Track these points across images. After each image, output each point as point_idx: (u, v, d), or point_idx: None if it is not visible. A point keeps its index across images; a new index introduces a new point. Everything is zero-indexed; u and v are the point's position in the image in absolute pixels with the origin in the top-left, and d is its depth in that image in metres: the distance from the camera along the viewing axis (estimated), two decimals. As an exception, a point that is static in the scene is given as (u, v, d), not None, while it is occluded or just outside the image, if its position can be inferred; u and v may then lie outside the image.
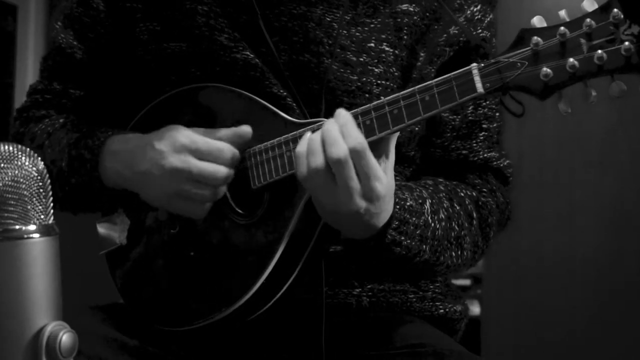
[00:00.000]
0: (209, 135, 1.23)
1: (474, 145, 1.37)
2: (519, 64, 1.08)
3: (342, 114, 1.13)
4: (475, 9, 1.34)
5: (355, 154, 1.10)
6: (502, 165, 1.39)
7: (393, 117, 1.13)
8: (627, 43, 1.02)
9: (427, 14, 1.31)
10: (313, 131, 1.16)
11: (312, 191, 1.14)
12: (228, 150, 1.22)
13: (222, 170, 1.21)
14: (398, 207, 1.19)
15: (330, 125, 1.12)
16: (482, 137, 1.37)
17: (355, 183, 1.11)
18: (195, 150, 1.21)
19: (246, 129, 1.23)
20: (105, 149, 1.29)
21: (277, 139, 1.21)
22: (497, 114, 1.38)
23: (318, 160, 1.11)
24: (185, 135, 1.22)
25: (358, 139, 1.10)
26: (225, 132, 1.24)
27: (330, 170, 1.11)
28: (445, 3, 1.30)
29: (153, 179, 1.23)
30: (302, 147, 1.14)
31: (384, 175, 1.12)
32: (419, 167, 1.37)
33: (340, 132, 1.11)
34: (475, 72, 1.10)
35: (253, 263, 1.21)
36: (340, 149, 1.10)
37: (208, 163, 1.21)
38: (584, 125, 2.83)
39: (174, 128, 1.24)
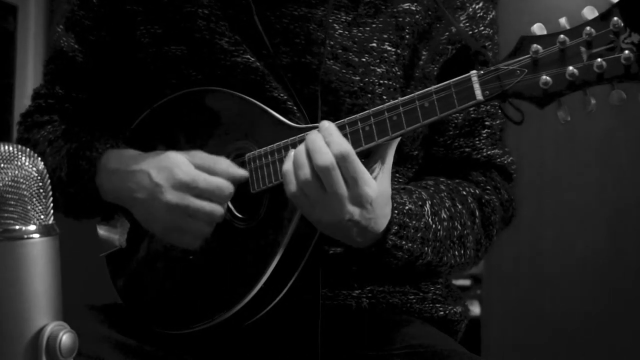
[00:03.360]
0: (207, 165, 1.22)
1: (477, 142, 1.36)
2: (518, 71, 1.08)
3: (326, 125, 1.14)
4: (477, 7, 1.34)
5: (341, 159, 1.10)
6: (505, 162, 1.38)
7: (392, 124, 1.13)
8: (627, 52, 1.02)
9: (429, 13, 1.31)
10: (294, 145, 1.16)
11: (304, 206, 1.14)
12: (227, 188, 1.21)
13: (219, 209, 1.21)
14: (396, 211, 1.19)
15: (314, 135, 1.13)
16: (485, 135, 1.36)
17: (343, 189, 1.11)
18: (194, 189, 1.21)
19: (244, 174, 1.23)
20: (102, 165, 1.30)
21: (277, 143, 1.21)
22: (500, 111, 1.38)
23: (306, 172, 1.12)
24: (184, 171, 1.22)
25: (343, 145, 1.11)
26: (224, 168, 1.23)
27: (319, 180, 1.11)
28: (447, 1, 1.30)
29: (148, 209, 1.24)
30: (288, 164, 1.14)
31: (372, 179, 1.12)
32: (421, 166, 1.37)
33: (324, 141, 1.11)
34: (474, 79, 1.10)
35: (252, 267, 1.21)
36: (326, 157, 1.10)
37: (206, 202, 1.21)
38: (583, 126, 2.83)
39: (172, 159, 1.23)
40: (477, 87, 1.09)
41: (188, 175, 1.21)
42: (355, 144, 1.14)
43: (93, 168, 1.29)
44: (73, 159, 1.32)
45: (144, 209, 1.25)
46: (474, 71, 1.10)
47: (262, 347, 1.29)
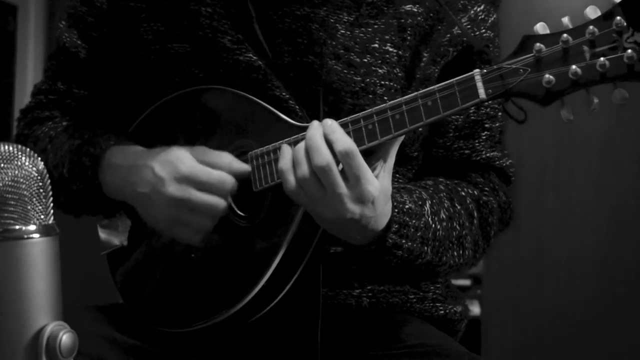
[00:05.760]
0: (210, 159, 1.22)
1: (477, 144, 1.36)
2: (521, 70, 1.08)
3: (329, 123, 1.13)
4: (478, 9, 1.34)
5: (345, 156, 1.10)
6: (504, 164, 1.38)
7: (395, 122, 1.13)
8: (629, 51, 1.02)
9: (431, 15, 1.31)
10: (290, 144, 1.16)
11: (305, 203, 1.14)
12: (229, 182, 1.21)
13: (221, 203, 1.21)
14: (397, 210, 1.19)
15: (313, 132, 1.12)
16: (484, 137, 1.37)
17: (342, 189, 1.11)
18: (196, 182, 1.21)
19: (246, 169, 1.23)
20: (105, 161, 1.29)
21: (280, 142, 1.20)
22: (500, 114, 1.38)
23: (304, 170, 1.12)
24: (187, 164, 1.21)
25: (346, 142, 1.11)
26: (226, 162, 1.23)
27: (317, 177, 1.11)
28: (449, 3, 1.30)
29: (151, 203, 1.24)
30: (284, 163, 1.14)
31: (374, 177, 1.12)
32: (421, 167, 1.37)
33: (323, 139, 1.11)
34: (477, 77, 1.09)
35: (254, 266, 1.21)
36: (322, 157, 1.10)
37: (208, 195, 1.20)
38: (583, 126, 2.83)
39: (175, 153, 1.23)
40: (480, 85, 1.09)
41: (191, 168, 1.21)
42: (358, 142, 1.13)
43: (96, 165, 1.29)
44: (76, 156, 1.32)
45: (147, 203, 1.24)
46: (477, 70, 1.10)
47: (263, 346, 1.30)
